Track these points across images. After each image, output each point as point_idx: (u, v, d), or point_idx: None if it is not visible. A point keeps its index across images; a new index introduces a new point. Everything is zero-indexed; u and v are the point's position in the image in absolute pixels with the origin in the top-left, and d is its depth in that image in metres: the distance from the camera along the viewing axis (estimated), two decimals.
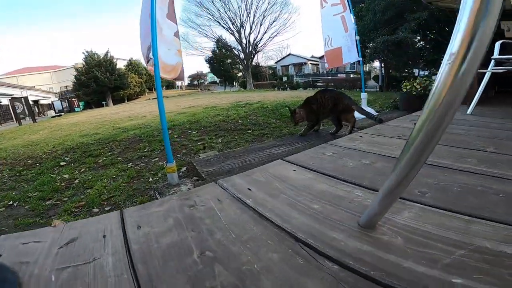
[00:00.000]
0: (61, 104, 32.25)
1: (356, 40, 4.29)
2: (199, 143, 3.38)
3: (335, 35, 4.70)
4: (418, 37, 9.50)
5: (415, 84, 4.40)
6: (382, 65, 16.31)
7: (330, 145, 2.04)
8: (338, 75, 30.60)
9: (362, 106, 4.46)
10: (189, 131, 4.21)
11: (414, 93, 4.41)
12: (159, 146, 3.53)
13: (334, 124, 2.89)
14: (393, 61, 9.40)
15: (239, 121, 4.76)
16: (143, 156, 3.30)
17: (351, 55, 4.49)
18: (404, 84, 4.65)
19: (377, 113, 2.79)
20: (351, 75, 28.36)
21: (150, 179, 2.48)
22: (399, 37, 9.33)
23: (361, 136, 2.27)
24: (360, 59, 4.39)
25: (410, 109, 4.53)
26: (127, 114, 10.42)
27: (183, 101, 13.30)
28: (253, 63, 33.17)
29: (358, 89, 18.56)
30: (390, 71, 16.80)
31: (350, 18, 4.28)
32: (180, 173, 2.40)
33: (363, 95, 4.37)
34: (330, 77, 27.54)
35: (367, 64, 25.81)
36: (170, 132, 4.35)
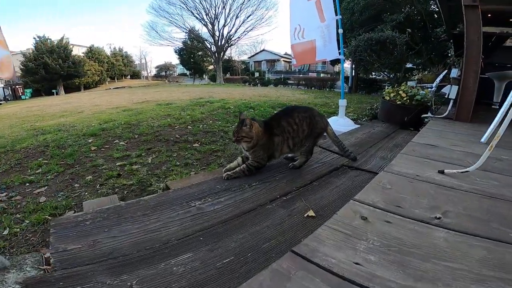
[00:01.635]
0: (3, 91, 28.36)
1: (338, 33, 3.49)
2: (117, 165, 2.36)
3: (307, 25, 3.86)
4: (405, 36, 8.54)
5: (400, 92, 3.75)
6: (353, 66, 16.21)
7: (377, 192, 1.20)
8: (309, 73, 30.59)
9: (339, 116, 3.73)
10: (116, 140, 3.14)
11: (398, 102, 3.76)
12: (58, 167, 2.45)
13: (302, 154, 1.96)
14: (376, 62, 8.49)
15: (189, 126, 3.78)
16: (27, 182, 2.21)
17: (328, 51, 3.68)
18: (386, 90, 4.00)
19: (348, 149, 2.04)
20: (322, 75, 28.47)
21: None
22: (384, 36, 8.26)
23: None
24: (341, 57, 3.62)
25: (392, 121, 3.90)
26: (68, 107, 8.81)
27: (140, 94, 11.82)
28: (225, 56, 31.76)
29: (328, 89, 18.42)
30: (359, 73, 16.78)
31: (330, 6, 3.45)
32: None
33: (342, 102, 3.61)
34: (301, 75, 27.27)
35: (337, 65, 26.02)
36: (90, 140, 3.24)
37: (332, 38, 3.57)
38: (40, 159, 2.75)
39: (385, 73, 9.78)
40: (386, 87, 4.15)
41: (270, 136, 1.78)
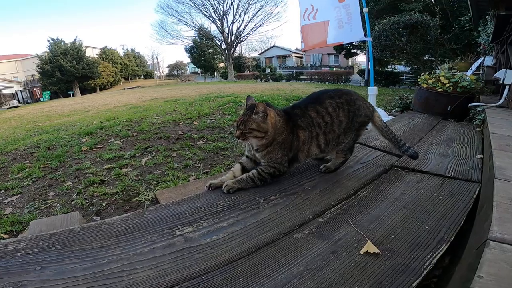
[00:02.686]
0: (21, 94, 29.45)
1: (363, 13, 2.94)
2: (104, 168, 1.95)
3: (322, 6, 3.32)
4: (437, 20, 7.43)
5: (441, 78, 3.15)
6: (368, 57, 15.35)
7: None
8: (322, 68, 29.71)
9: None
10: (112, 139, 2.74)
11: (439, 89, 3.16)
12: (40, 171, 2.07)
13: (339, 153, 1.40)
14: (407, 47, 7.49)
15: (195, 122, 3.34)
16: (3, 189, 1.85)
17: (346, 33, 3.13)
18: (423, 77, 3.41)
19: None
20: (334, 69, 27.54)
21: None
22: (413, 18, 7.20)
23: None
24: (368, 38, 3.05)
25: (431, 111, 3.31)
26: (78, 107, 8.66)
27: (151, 92, 11.59)
28: (235, 53, 31.32)
29: (342, 83, 17.61)
30: (375, 65, 15.89)
31: None
32: None
33: (372, 90, 3.05)
34: (314, 70, 26.44)
35: (351, 58, 24.97)
36: (84, 140, 2.86)
37: (354, 19, 3.02)
38: (26, 161, 2.40)
39: (412, 61, 8.79)
40: (421, 75, 3.53)
41: (293, 130, 1.23)
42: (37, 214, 1.47)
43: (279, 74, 24.93)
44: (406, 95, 4.52)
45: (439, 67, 6.09)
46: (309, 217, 1.03)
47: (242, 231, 0.92)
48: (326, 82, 18.48)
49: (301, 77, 23.40)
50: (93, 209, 1.40)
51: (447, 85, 3.19)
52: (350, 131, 1.34)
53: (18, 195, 1.75)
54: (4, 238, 1.25)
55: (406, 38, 7.30)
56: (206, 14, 26.38)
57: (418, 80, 3.61)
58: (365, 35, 3.00)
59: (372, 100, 3.08)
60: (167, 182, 1.63)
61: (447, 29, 10.15)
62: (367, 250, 0.80)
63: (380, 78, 16.17)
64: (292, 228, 0.96)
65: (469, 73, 4.88)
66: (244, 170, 1.31)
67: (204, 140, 2.53)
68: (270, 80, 22.55)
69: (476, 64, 5.65)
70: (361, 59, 27.63)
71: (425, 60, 10.81)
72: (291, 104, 1.39)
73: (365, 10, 2.90)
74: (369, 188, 1.27)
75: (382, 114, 3.12)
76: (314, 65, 33.09)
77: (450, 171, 1.43)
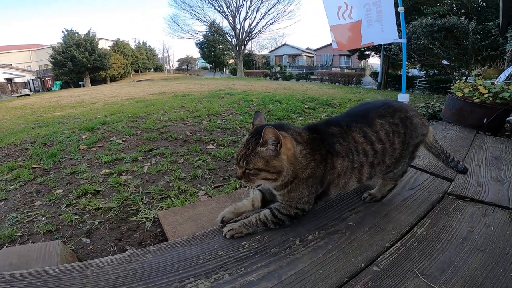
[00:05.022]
0: (33, 83, 29.89)
1: (399, 12, 2.63)
2: (101, 173, 1.70)
3: (357, 2, 3.02)
4: (474, 24, 6.81)
5: (479, 88, 2.83)
6: (383, 61, 14.85)
7: None
8: (333, 69, 29.23)
9: None
10: (113, 137, 2.50)
11: (476, 100, 2.84)
12: (30, 173, 1.84)
13: (390, 179, 1.10)
14: (441, 52, 7.02)
15: (204, 121, 3.08)
16: None
17: (377, 33, 2.83)
18: (457, 85, 3.09)
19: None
20: (345, 70, 27.06)
21: None
22: (450, 22, 6.70)
23: None
24: (403, 40, 2.72)
25: (464, 123, 3.00)
26: (85, 98, 8.53)
27: (160, 86, 11.42)
28: (246, 50, 31.02)
29: (353, 85, 17.17)
30: (389, 69, 15.42)
31: None
32: None
33: (403, 97, 2.74)
34: (324, 70, 25.98)
35: (363, 60, 24.39)
36: (84, 136, 2.63)
37: (385, 17, 2.71)
38: (18, 159, 2.18)
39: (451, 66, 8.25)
40: (453, 83, 3.21)
41: (326, 158, 0.88)
42: (18, 229, 1.24)
43: (289, 73, 24.53)
44: (432, 103, 4.19)
45: (472, 74, 5.70)
46: (361, 265, 0.79)
47: None
48: (337, 83, 18.06)
49: (311, 77, 23.01)
50: (83, 228, 1.16)
51: (486, 95, 2.86)
52: (404, 158, 1.03)
53: (2, 202, 1.52)
54: None
55: (440, 42, 6.86)
56: (219, 9, 26.19)
57: (452, 88, 3.29)
58: (400, 37, 2.68)
59: None
60: (172, 198, 1.37)
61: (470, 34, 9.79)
62: None
63: (394, 82, 15.74)
64: (341, 282, 0.72)
65: (499, 81, 4.53)
66: (264, 200, 0.99)
67: (215, 144, 2.27)
68: (280, 79, 22.19)
69: (506, 72, 5.24)
70: (372, 61, 27.04)
71: (441, 65, 10.39)
72: (325, 120, 0.99)
73: (401, 9, 2.59)
74: (426, 223, 1.03)
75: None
76: (324, 65, 32.65)
77: None
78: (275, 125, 0.82)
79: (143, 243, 1.06)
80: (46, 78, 30.65)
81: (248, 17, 26.64)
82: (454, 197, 1.25)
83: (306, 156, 0.85)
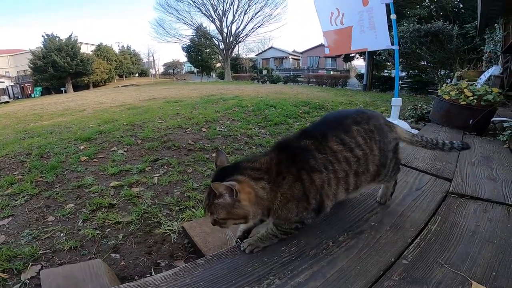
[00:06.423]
0: (12, 89, 28.63)
1: (391, 19, 2.76)
2: (110, 185, 1.70)
3: (347, 9, 3.14)
4: (457, 28, 7.50)
5: (465, 91, 3.01)
6: (368, 62, 15.32)
7: None
8: (319, 71, 29.80)
9: (391, 119, 2.99)
10: (114, 147, 2.48)
11: (462, 102, 3.02)
12: (33, 187, 1.80)
13: (386, 181, 1.13)
14: (427, 56, 7.53)
15: (204, 128, 3.10)
16: None
17: (370, 39, 2.94)
18: (444, 88, 3.27)
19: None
20: (331, 72, 27.66)
21: None
22: (435, 27, 7.20)
23: None
24: (395, 47, 2.85)
25: (451, 124, 3.18)
26: (71, 105, 8.29)
27: (148, 91, 11.25)
28: (233, 54, 31.06)
29: (340, 87, 17.58)
30: (373, 70, 15.93)
31: None
32: None
33: (396, 102, 2.86)
34: (311, 73, 26.43)
35: (348, 62, 25.03)
36: (82, 147, 2.59)
37: (378, 25, 2.83)
38: (16, 173, 2.12)
39: (436, 70, 8.67)
40: (440, 85, 3.39)
41: (299, 176, 0.84)
42: (38, 246, 1.22)
43: (276, 76, 24.78)
44: (420, 105, 4.39)
45: (456, 76, 6.00)
46: (391, 259, 0.88)
47: (324, 286, 0.75)
48: (324, 86, 18.41)
49: (299, 79, 23.32)
50: (108, 243, 1.16)
51: (471, 97, 3.05)
52: (387, 163, 1.04)
53: (10, 218, 1.49)
54: (3, 278, 0.99)
55: (427, 46, 7.22)
56: (206, 13, 26.12)
57: (439, 91, 3.47)
58: (392, 43, 2.81)
59: (395, 113, 2.89)
60: (192, 208, 1.39)
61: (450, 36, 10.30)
62: None
63: (378, 83, 16.21)
64: (378, 275, 0.81)
65: (478, 83, 4.81)
66: None
67: None
68: (267, 82, 22.36)
69: (487, 73, 5.55)
70: (357, 62, 27.75)
71: (423, 66, 10.87)
72: (297, 133, 0.97)
73: (393, 16, 2.72)
74: (438, 220, 1.15)
75: (406, 128, 2.95)
76: (311, 67, 33.17)
77: (510, 198, 1.35)
78: (232, 168, 0.83)
79: (174, 255, 1.08)
80: (26, 84, 29.44)
81: (235, 21, 26.70)
82: (456, 196, 1.38)
83: (272, 189, 0.81)
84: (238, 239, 0.93)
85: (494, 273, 0.83)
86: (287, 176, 0.82)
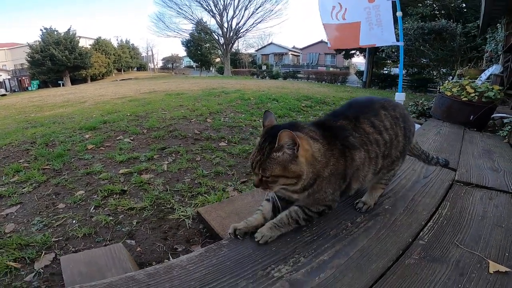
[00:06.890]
0: (9, 82, 28.44)
1: (397, 16, 2.77)
2: (120, 172, 1.70)
3: (351, 5, 3.15)
4: (460, 27, 7.54)
5: (467, 88, 3.05)
6: (368, 60, 15.33)
7: None
8: (319, 67, 29.75)
9: None
10: (120, 136, 2.48)
11: (464, 98, 3.06)
12: (41, 174, 1.80)
13: (382, 183, 1.09)
14: (430, 53, 7.50)
15: (208, 119, 3.10)
16: None
17: (376, 36, 2.98)
18: (446, 85, 3.30)
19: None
20: (331, 69, 27.64)
21: None
22: (439, 25, 7.21)
23: None
24: (401, 43, 2.87)
25: (453, 120, 3.22)
26: (71, 97, 8.23)
27: (147, 85, 11.18)
28: (233, 49, 30.86)
29: (339, 83, 17.58)
30: (373, 68, 15.97)
31: None
32: None
33: (399, 96, 2.89)
34: (311, 69, 26.39)
35: (349, 59, 24.99)
36: (88, 136, 2.59)
37: (384, 21, 2.86)
38: (21, 160, 2.12)
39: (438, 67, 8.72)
40: (443, 83, 3.42)
41: (343, 152, 0.85)
42: (50, 233, 1.22)
43: (276, 71, 24.70)
44: (421, 101, 4.42)
45: (457, 74, 6.03)
46: (409, 239, 0.92)
47: (348, 263, 0.78)
48: (323, 82, 18.42)
49: (298, 75, 23.29)
50: (123, 229, 1.16)
51: (472, 94, 3.09)
52: (403, 156, 1.04)
53: (18, 205, 1.49)
54: (15, 268, 1.00)
55: (430, 44, 7.25)
56: (206, 8, 25.87)
57: (441, 88, 3.51)
58: (397, 40, 2.83)
59: None
60: (204, 194, 1.41)
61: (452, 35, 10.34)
62: (498, 270, 0.77)
63: (378, 80, 16.26)
64: (398, 254, 0.85)
65: (479, 81, 4.85)
66: (274, 209, 0.92)
67: (226, 142, 2.31)
68: (267, 77, 22.30)
69: (487, 72, 5.57)
70: (356, 60, 27.74)
71: (424, 64, 10.89)
72: (331, 112, 0.98)
73: (399, 13, 2.73)
74: (447, 205, 1.19)
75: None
76: (310, 64, 33.09)
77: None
78: (289, 125, 0.80)
79: (191, 240, 1.09)
80: (23, 78, 29.24)
81: (236, 16, 26.48)
82: (462, 184, 1.44)
83: (325, 154, 0.81)
84: (235, 231, 0.85)
85: (507, 254, 0.86)
86: (335, 149, 0.83)
